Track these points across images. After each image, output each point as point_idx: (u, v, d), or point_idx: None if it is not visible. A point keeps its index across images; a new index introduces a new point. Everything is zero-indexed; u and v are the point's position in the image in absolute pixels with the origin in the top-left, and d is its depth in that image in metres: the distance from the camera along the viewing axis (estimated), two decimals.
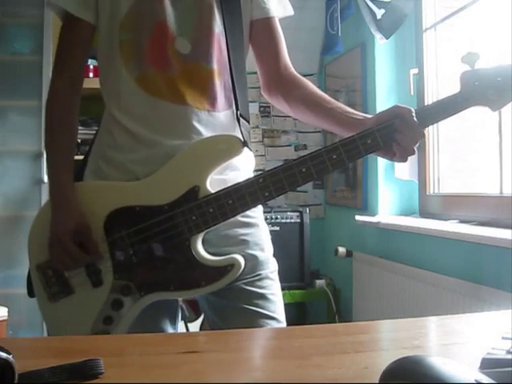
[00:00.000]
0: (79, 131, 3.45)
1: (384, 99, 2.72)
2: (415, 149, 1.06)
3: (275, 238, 1.30)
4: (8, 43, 2.88)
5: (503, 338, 0.68)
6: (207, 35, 1.14)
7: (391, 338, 0.88)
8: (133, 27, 1.12)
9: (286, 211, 2.90)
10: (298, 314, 3.29)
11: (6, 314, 2.55)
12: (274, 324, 1.14)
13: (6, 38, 2.88)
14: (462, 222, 2.15)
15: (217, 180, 1.10)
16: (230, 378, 0.65)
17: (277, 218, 2.84)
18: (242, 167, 1.18)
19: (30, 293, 1.16)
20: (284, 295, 1.27)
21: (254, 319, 1.12)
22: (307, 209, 3.04)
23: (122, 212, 1.09)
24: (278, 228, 2.75)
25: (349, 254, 2.84)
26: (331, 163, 1.04)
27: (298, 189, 3.38)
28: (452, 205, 2.33)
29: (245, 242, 1.16)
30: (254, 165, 1.24)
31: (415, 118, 1.04)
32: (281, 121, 3.45)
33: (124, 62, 1.13)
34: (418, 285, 2.18)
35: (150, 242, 1.07)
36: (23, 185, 2.91)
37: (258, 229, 1.20)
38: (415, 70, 2.58)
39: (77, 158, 1.19)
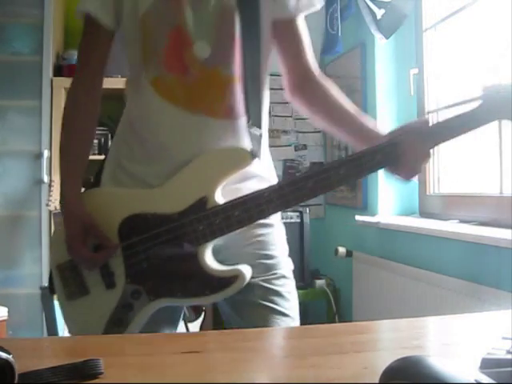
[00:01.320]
0: None
1: (384, 99, 2.72)
2: (420, 168, 1.07)
3: None
4: (8, 43, 2.88)
5: (503, 338, 0.68)
6: (228, 39, 1.12)
7: (391, 338, 0.88)
8: (151, 28, 1.11)
9: (286, 211, 2.90)
10: None
11: (6, 314, 2.56)
12: (287, 321, 1.15)
13: (6, 38, 2.88)
14: (461, 221, 2.15)
15: (232, 189, 1.11)
16: (230, 378, 0.65)
17: None
18: (258, 176, 1.18)
19: (52, 290, 1.20)
20: None
21: (269, 315, 1.14)
22: (307, 209, 3.04)
23: (135, 219, 1.12)
24: None
25: (349, 254, 2.84)
26: (337, 179, 1.05)
27: None
28: (452, 205, 2.33)
29: (261, 243, 1.18)
30: (272, 171, 1.24)
31: (423, 137, 1.05)
32: (281, 121, 3.45)
33: (144, 63, 1.13)
34: (418, 285, 2.18)
35: (160, 249, 1.09)
36: (23, 185, 2.90)
37: (273, 229, 1.21)
38: (415, 70, 2.58)
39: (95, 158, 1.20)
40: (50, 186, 2.72)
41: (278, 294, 1.16)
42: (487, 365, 0.61)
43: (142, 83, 1.13)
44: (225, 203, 1.08)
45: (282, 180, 1.08)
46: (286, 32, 1.21)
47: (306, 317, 3.33)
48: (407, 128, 1.09)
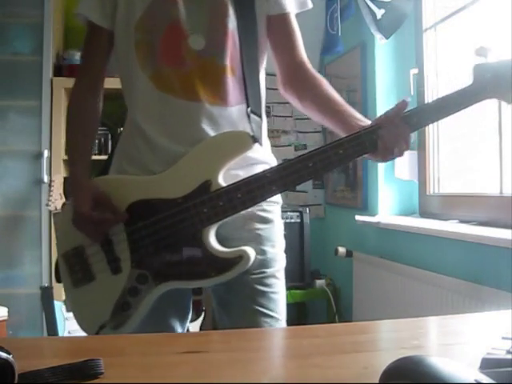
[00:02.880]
0: None
1: (384, 99, 2.72)
2: (399, 150, 1.07)
3: None
4: (8, 43, 2.87)
5: (503, 338, 0.68)
6: (221, 31, 1.17)
7: (391, 338, 0.88)
8: (147, 28, 1.16)
9: (286, 211, 2.89)
10: (297, 314, 3.28)
11: (6, 314, 2.56)
12: (272, 322, 1.18)
13: (6, 38, 2.87)
14: (461, 221, 2.15)
15: (233, 176, 1.14)
16: (231, 377, 0.65)
17: None
18: (260, 162, 1.21)
19: (58, 279, 1.23)
20: None
21: (255, 317, 1.17)
22: (307, 209, 3.04)
23: (139, 204, 1.15)
24: None
25: (349, 254, 2.84)
26: (337, 158, 1.07)
27: (298, 188, 3.38)
28: (452, 205, 2.33)
29: (258, 237, 1.20)
30: (272, 158, 1.26)
31: (403, 117, 1.06)
32: (281, 121, 3.45)
33: (139, 61, 1.17)
34: (418, 285, 2.18)
35: (165, 233, 1.12)
36: (23, 185, 2.90)
37: (272, 224, 1.24)
38: (415, 70, 2.58)
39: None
40: (50, 185, 2.73)
41: (265, 295, 1.19)
42: (487, 365, 0.61)
43: (140, 80, 1.17)
44: (228, 185, 1.10)
45: (283, 161, 1.09)
46: (279, 27, 1.25)
47: (306, 317, 3.33)
48: (387, 113, 1.09)
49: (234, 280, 1.13)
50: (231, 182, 1.10)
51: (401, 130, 1.06)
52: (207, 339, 0.84)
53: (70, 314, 2.59)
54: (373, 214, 2.69)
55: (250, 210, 1.14)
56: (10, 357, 0.56)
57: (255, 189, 1.08)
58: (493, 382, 0.53)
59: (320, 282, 3.03)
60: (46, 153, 2.87)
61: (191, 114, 1.15)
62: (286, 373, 0.67)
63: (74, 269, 1.19)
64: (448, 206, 2.36)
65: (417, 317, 0.95)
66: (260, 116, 1.22)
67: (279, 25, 1.25)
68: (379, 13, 2.51)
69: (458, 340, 0.82)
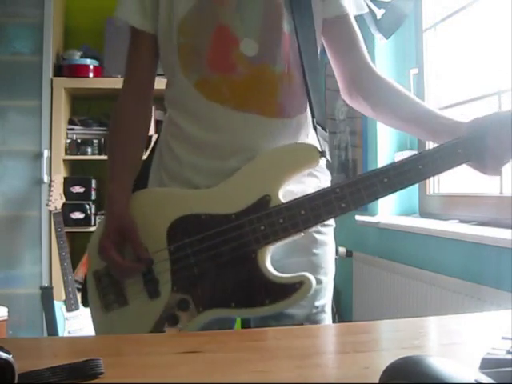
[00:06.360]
0: (79, 131, 3.45)
1: None
2: (507, 162, 0.98)
3: None
4: (8, 43, 2.88)
5: (503, 338, 0.68)
6: (276, 35, 1.07)
7: (391, 338, 0.88)
8: (192, 31, 1.06)
9: None
10: None
11: (6, 314, 2.56)
12: None
13: (6, 38, 2.88)
14: (462, 221, 2.15)
15: (286, 191, 1.04)
16: (230, 378, 0.65)
17: None
18: (308, 175, 1.11)
19: (85, 302, 1.11)
20: None
21: None
22: None
23: (186, 220, 1.03)
24: None
25: (349, 254, 2.84)
26: (415, 174, 0.97)
27: None
28: (452, 205, 2.33)
29: (313, 264, 1.10)
30: (324, 171, 1.17)
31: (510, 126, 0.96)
32: None
33: (182, 66, 1.07)
34: (418, 285, 2.18)
35: (214, 252, 0.99)
36: (23, 185, 2.91)
37: (328, 247, 1.14)
38: (415, 70, 2.58)
39: None
40: (50, 185, 2.73)
41: None
42: (487, 365, 0.61)
43: (184, 87, 1.08)
44: (289, 201, 0.99)
45: (354, 176, 1.01)
46: (340, 30, 1.16)
47: None
48: (492, 118, 1.00)
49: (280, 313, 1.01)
50: (290, 199, 0.99)
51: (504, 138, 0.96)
52: (207, 339, 0.84)
53: (70, 314, 2.61)
54: (373, 214, 2.69)
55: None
56: (10, 357, 0.56)
57: (321, 205, 0.97)
58: (493, 382, 0.53)
59: None
60: (46, 153, 2.87)
61: (242, 126, 1.05)
62: (287, 373, 0.67)
63: (104, 290, 1.06)
64: (448, 205, 2.36)
65: (417, 317, 0.95)
66: (325, 128, 1.10)
67: (340, 28, 1.15)
68: (379, 13, 2.51)
69: (458, 340, 0.82)
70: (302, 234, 1.01)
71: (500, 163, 0.99)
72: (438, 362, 0.54)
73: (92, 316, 1.10)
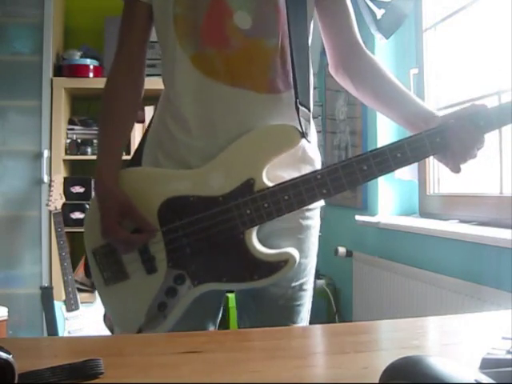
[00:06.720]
0: (79, 131, 3.45)
1: None
2: (471, 156, 1.00)
3: None
4: (8, 43, 2.88)
5: (503, 338, 0.68)
6: (270, 7, 1.06)
7: (391, 338, 0.88)
8: (188, 2, 1.06)
9: None
10: None
11: (6, 314, 2.56)
12: None
13: (6, 38, 2.88)
14: (462, 221, 2.15)
15: (277, 177, 1.07)
16: (230, 378, 0.65)
17: None
18: (301, 161, 1.14)
19: (89, 275, 1.16)
20: None
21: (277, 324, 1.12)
22: None
23: (176, 201, 1.07)
24: None
25: (349, 254, 2.84)
26: (394, 162, 1.00)
27: None
28: (452, 205, 2.33)
29: (299, 243, 1.15)
30: (317, 156, 1.19)
31: (478, 121, 0.98)
32: None
33: (178, 38, 1.07)
34: (418, 285, 2.18)
35: (204, 233, 1.05)
36: (23, 185, 2.91)
37: (309, 233, 1.18)
38: (415, 70, 2.58)
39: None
40: (50, 185, 2.73)
41: (295, 310, 1.19)
42: (487, 365, 0.61)
43: (180, 61, 1.07)
44: (274, 186, 1.03)
45: (337, 162, 1.01)
46: (333, 5, 1.16)
47: None
48: (460, 112, 1.03)
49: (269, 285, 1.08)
50: (276, 183, 1.03)
51: (469, 133, 0.98)
52: (207, 339, 0.84)
53: (70, 314, 2.61)
54: (373, 214, 2.69)
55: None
56: (10, 357, 0.56)
57: (303, 191, 1.01)
58: (493, 382, 0.53)
59: (320, 282, 3.03)
60: (46, 153, 2.87)
61: (234, 102, 1.06)
62: (286, 373, 0.67)
63: (105, 267, 1.11)
64: (448, 205, 2.36)
65: (417, 317, 0.95)
66: (308, 107, 1.10)
67: (333, 2, 1.16)
68: (379, 13, 2.51)
69: (458, 340, 0.82)
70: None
71: (459, 161, 1.01)
72: (438, 361, 0.54)
73: (97, 289, 1.16)
